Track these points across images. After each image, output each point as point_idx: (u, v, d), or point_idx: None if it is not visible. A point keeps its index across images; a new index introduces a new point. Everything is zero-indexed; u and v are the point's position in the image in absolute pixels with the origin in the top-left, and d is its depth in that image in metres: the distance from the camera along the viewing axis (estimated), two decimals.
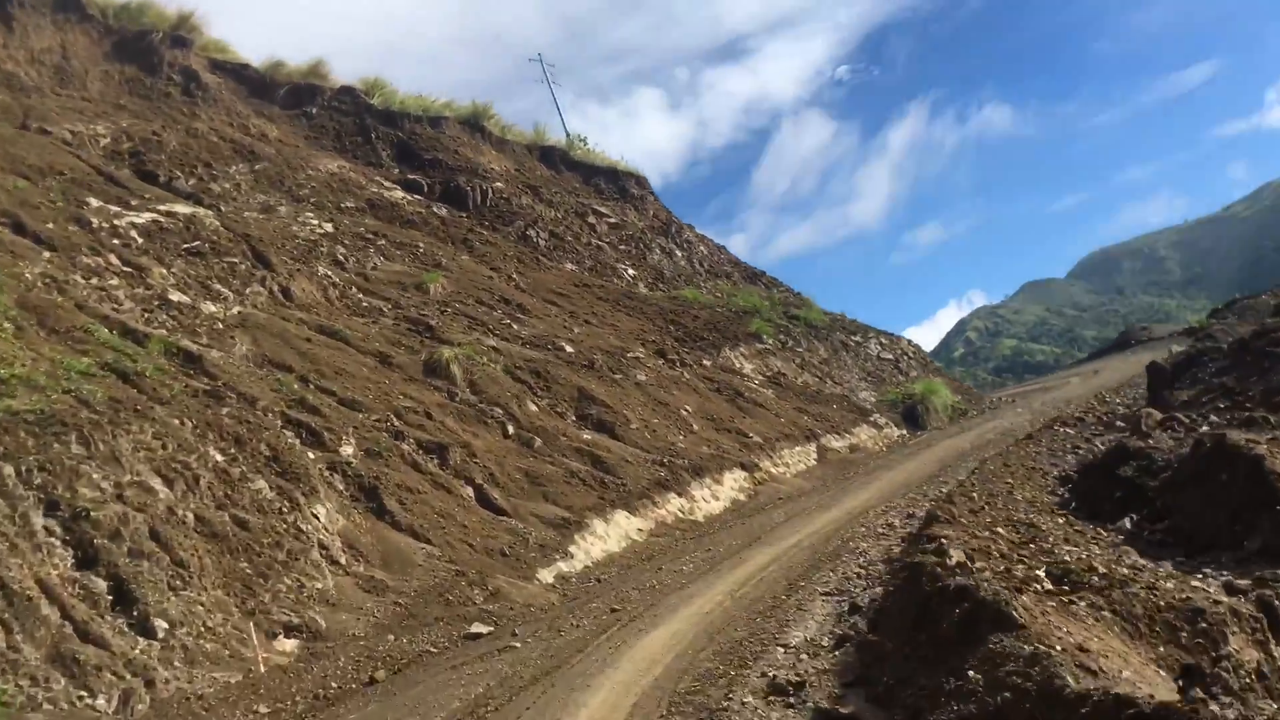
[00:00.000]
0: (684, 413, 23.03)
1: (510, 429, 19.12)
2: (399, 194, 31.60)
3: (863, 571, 12.31)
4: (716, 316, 30.19)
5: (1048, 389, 31.42)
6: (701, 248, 39.59)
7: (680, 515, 18.72)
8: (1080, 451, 14.88)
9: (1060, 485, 13.80)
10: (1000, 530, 10.62)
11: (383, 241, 27.28)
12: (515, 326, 24.66)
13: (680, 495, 19.22)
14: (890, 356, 33.44)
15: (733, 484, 20.77)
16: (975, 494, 12.68)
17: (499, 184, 34.36)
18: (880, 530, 14.64)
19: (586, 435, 20.27)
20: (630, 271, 33.66)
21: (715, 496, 20.01)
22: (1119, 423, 16.15)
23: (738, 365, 27.59)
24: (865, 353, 32.91)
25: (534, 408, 20.46)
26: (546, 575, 14.87)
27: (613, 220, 37.12)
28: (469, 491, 16.48)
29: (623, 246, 35.84)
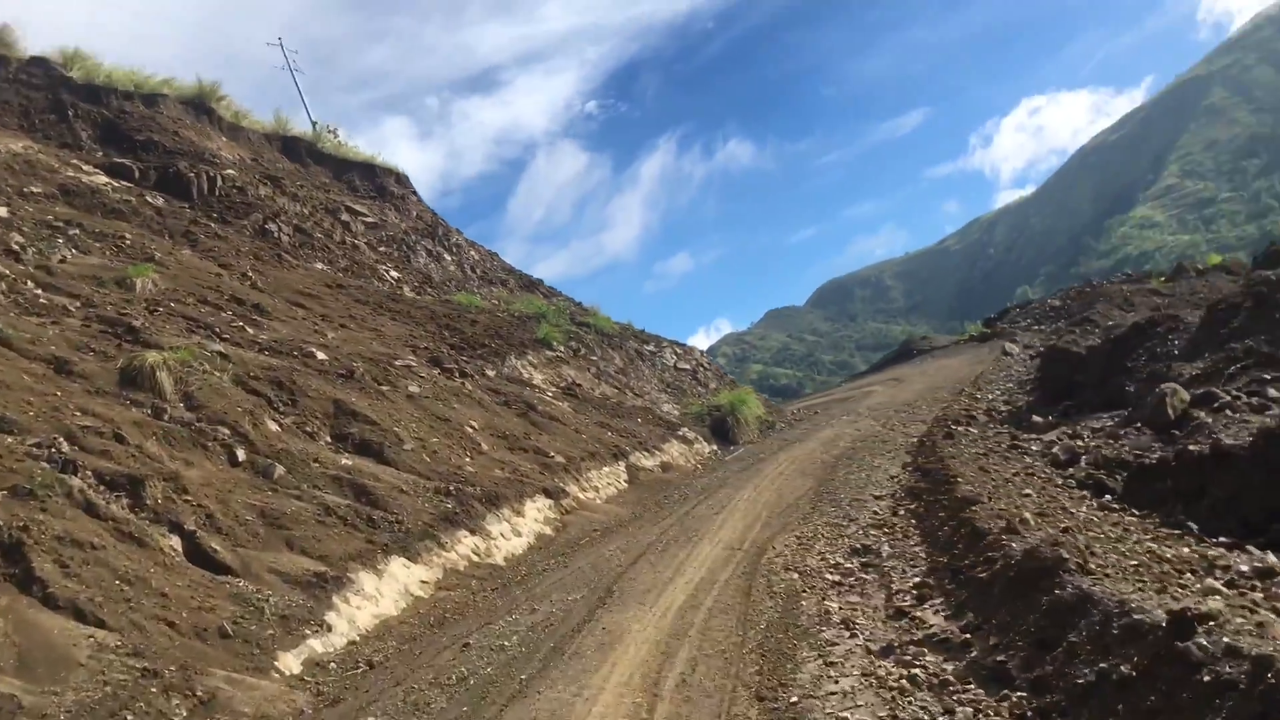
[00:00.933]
0: (470, 429, 18.40)
1: (241, 454, 13.92)
2: (102, 179, 25.38)
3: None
4: (498, 322, 25.69)
5: (847, 399, 28.96)
6: (472, 253, 34.94)
7: (475, 558, 14.12)
8: (1054, 451, 11.69)
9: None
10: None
11: (76, 231, 21.29)
12: (251, 330, 19.31)
13: (474, 532, 14.62)
14: (687, 367, 30.00)
15: (537, 514, 16.34)
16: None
17: (231, 172, 28.52)
18: (834, 579, 10.11)
19: (346, 460, 15.33)
20: (393, 274, 28.61)
21: (517, 531, 15.51)
22: (1036, 418, 13.42)
23: (527, 375, 23.20)
24: (661, 362, 29.29)
25: (275, 426, 15.31)
26: (292, 662, 9.92)
27: (370, 219, 31.92)
28: (174, 542, 11.23)
29: (383, 248, 30.74)
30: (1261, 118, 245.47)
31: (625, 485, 19.45)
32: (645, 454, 21.15)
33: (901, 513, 11.23)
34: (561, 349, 25.41)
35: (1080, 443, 11.61)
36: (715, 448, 23.65)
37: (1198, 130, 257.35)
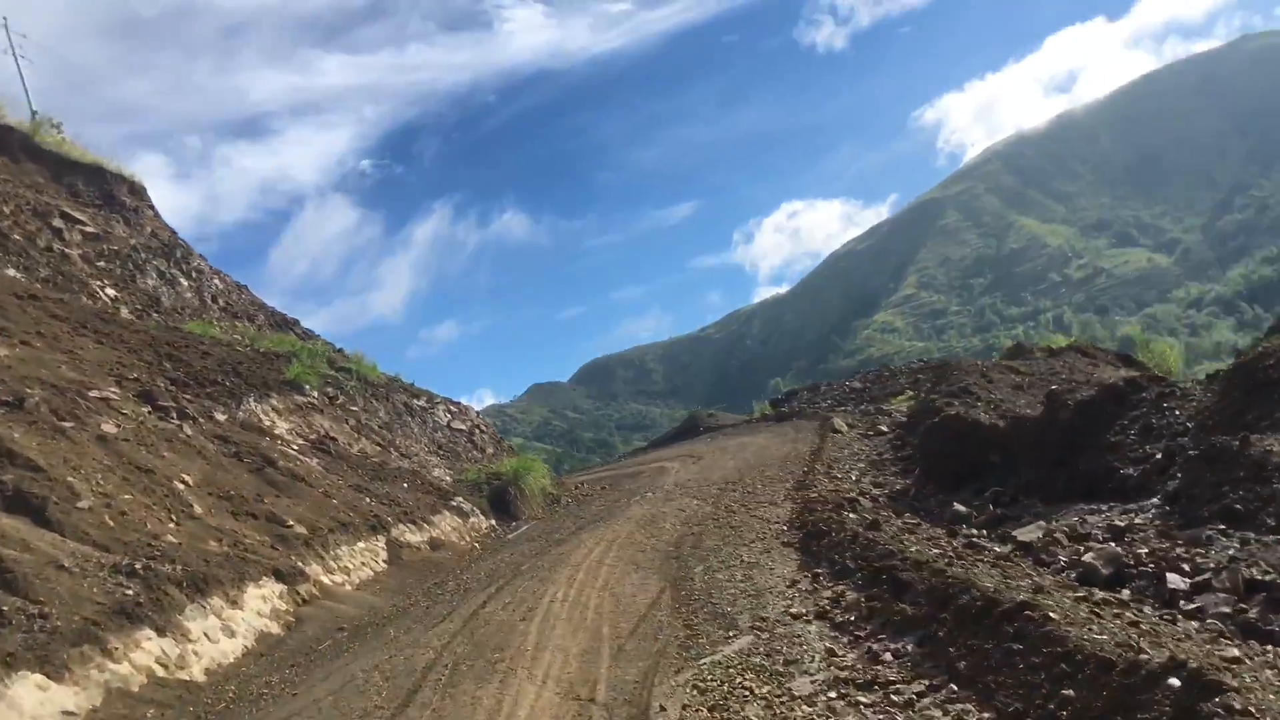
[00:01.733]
0: (180, 486, 13.74)
1: None
2: None
3: None
4: (237, 356, 20.85)
5: (638, 474, 25.83)
6: (217, 281, 29.62)
7: (162, 671, 9.65)
8: (1092, 563, 8.19)
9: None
10: None
11: None
12: None
13: (163, 631, 10.12)
14: (463, 427, 25.94)
15: (262, 604, 11.93)
16: None
17: None
18: None
19: None
20: (110, 292, 23.20)
21: (229, 629, 11.07)
22: (960, 507, 10.54)
23: (268, 422, 18.54)
24: (434, 420, 25.11)
25: None
26: None
27: (91, 229, 26.26)
28: None
29: (102, 262, 25.18)
30: (987, 241, 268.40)
31: (385, 566, 15.25)
32: (411, 527, 16.99)
33: (877, 648, 7.37)
34: (315, 394, 20.87)
35: (1140, 549, 8.07)
36: (494, 523, 19.75)
37: (934, 247, 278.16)
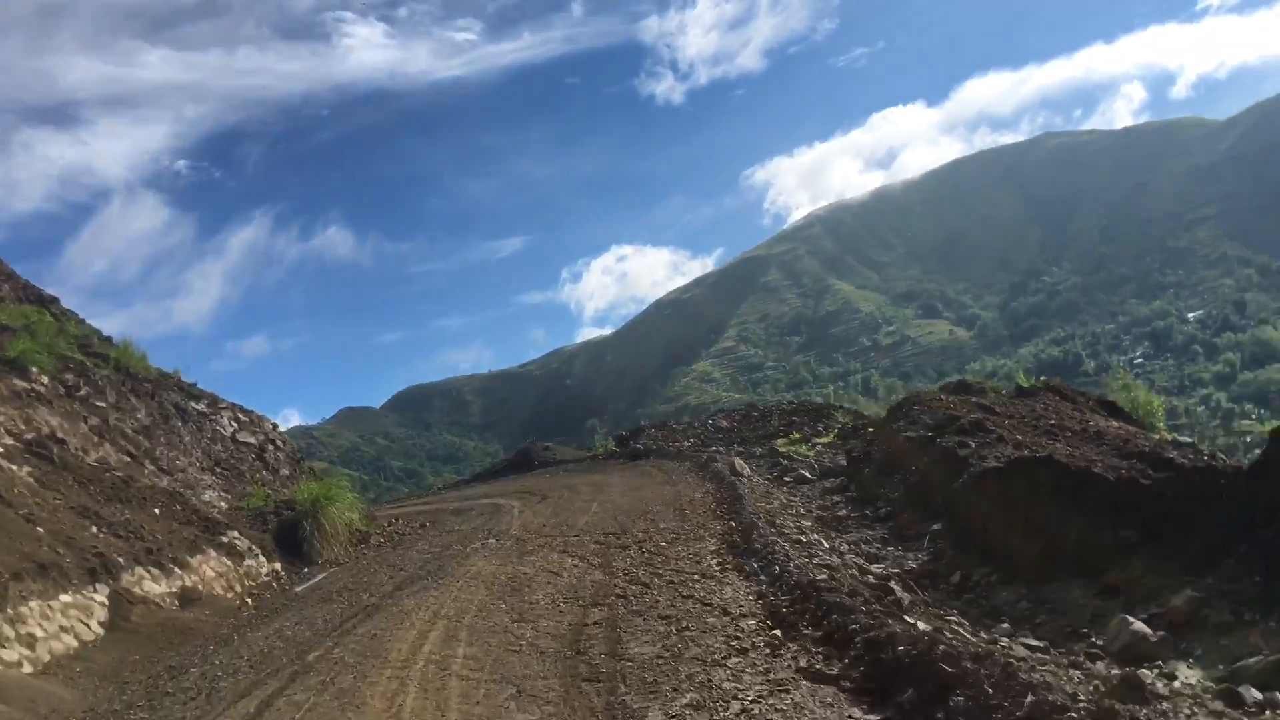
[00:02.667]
0: None
1: None
2: None
3: None
4: None
5: (464, 512, 21.14)
6: None
7: None
8: None
9: None
10: None
11: None
12: None
13: None
14: (253, 441, 20.55)
15: None
16: None
17: None
18: None
19: None
20: None
21: None
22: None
23: None
24: (214, 429, 19.64)
25: None
26: None
27: None
28: None
29: None
30: (805, 301, 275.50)
31: (101, 633, 10.13)
32: (155, 572, 11.84)
33: None
34: (45, 380, 15.31)
35: None
36: (279, 567, 14.69)
37: (755, 303, 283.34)
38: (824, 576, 6.93)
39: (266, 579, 14.11)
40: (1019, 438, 10.22)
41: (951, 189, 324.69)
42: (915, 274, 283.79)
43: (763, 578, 7.72)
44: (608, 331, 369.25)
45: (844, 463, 14.08)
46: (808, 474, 14.44)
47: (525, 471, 31.63)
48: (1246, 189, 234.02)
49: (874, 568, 8.38)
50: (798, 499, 12.96)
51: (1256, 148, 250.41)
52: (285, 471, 20.87)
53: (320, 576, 14.34)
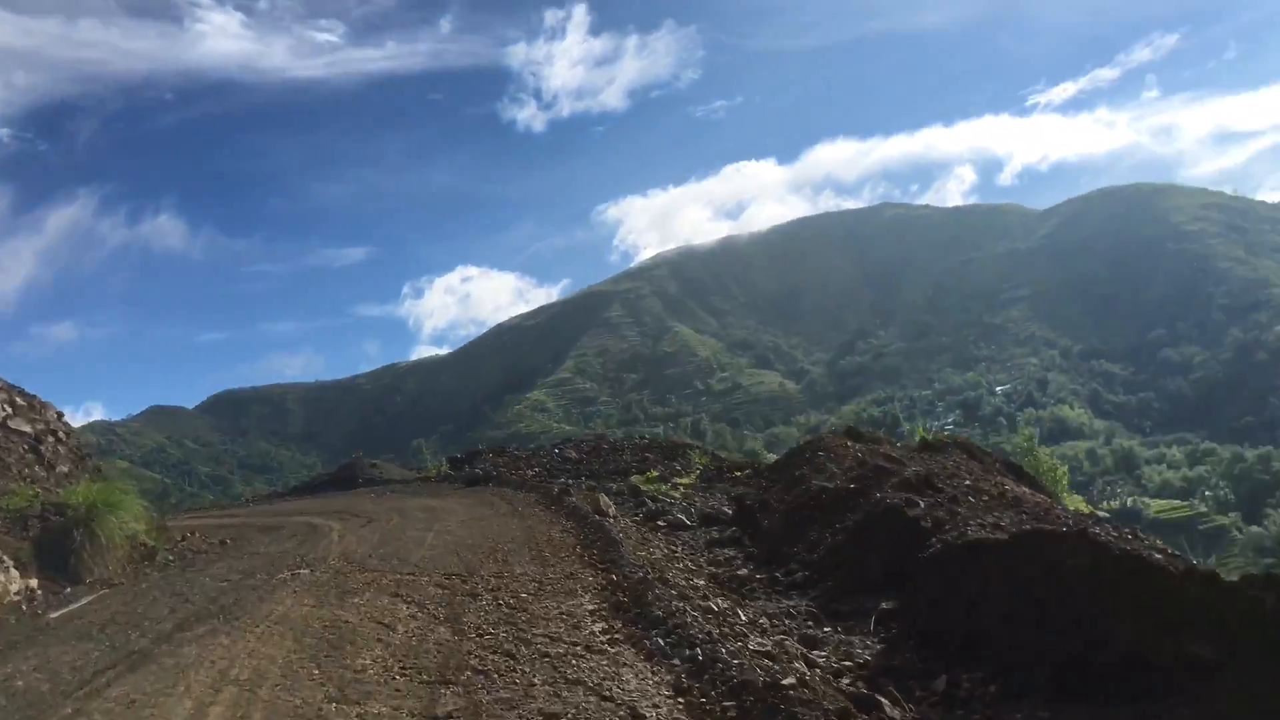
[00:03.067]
0: None
1: None
2: None
3: None
4: None
5: (275, 530, 18.55)
6: None
7: None
8: None
9: None
10: None
11: None
12: None
13: None
14: (28, 430, 17.37)
15: None
16: None
17: None
18: None
19: None
20: None
21: None
22: None
23: None
24: None
25: None
26: None
27: None
28: None
29: None
30: (644, 340, 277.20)
31: None
32: None
33: None
34: None
35: None
36: (36, 584, 11.97)
37: (595, 337, 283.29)
38: (785, 677, 5.05)
39: (16, 598, 11.41)
40: (972, 499, 8.90)
41: (794, 246, 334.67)
42: (752, 324, 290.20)
43: (675, 662, 5.84)
44: (444, 351, 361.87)
45: (728, 509, 12.43)
46: (685, 519, 12.70)
47: (348, 489, 28.97)
48: (1057, 276, 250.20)
49: (816, 656, 6.63)
50: (680, 549, 10.97)
51: (1068, 239, 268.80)
52: (65, 468, 17.81)
53: (85, 600, 11.73)
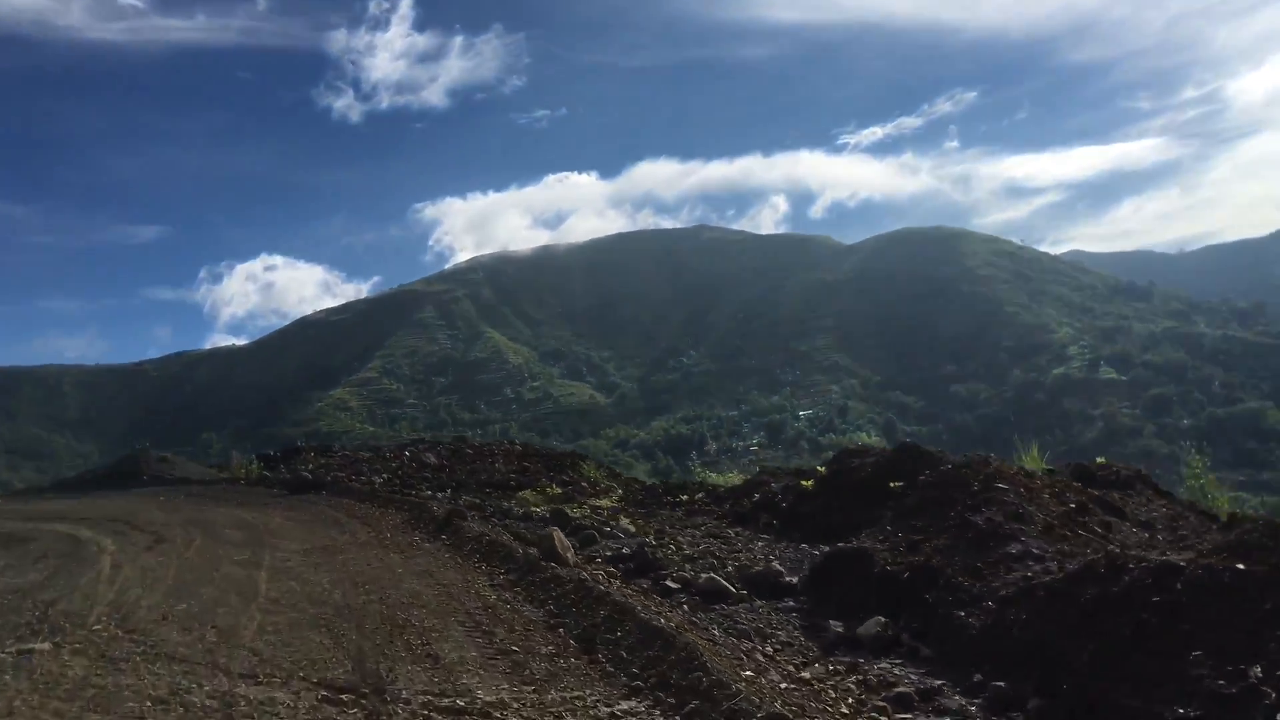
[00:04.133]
0: None
1: None
2: None
3: None
4: None
5: (24, 541, 13.05)
6: None
7: None
8: None
9: None
10: None
11: None
12: None
13: None
14: None
15: None
16: None
17: None
18: None
19: None
20: None
21: None
22: None
23: None
24: None
25: None
26: None
27: None
28: None
29: None
30: (456, 344, 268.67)
31: None
32: None
33: None
34: None
35: None
36: None
37: (405, 337, 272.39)
38: None
39: None
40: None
41: (611, 260, 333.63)
42: (566, 335, 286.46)
43: None
44: (243, 342, 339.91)
45: (779, 566, 7.76)
46: (728, 585, 7.47)
47: (129, 487, 22.91)
48: (861, 309, 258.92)
49: None
50: (790, 660, 5.99)
51: (872, 275, 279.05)
52: None
53: None
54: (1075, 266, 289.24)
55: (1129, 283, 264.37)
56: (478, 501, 13.22)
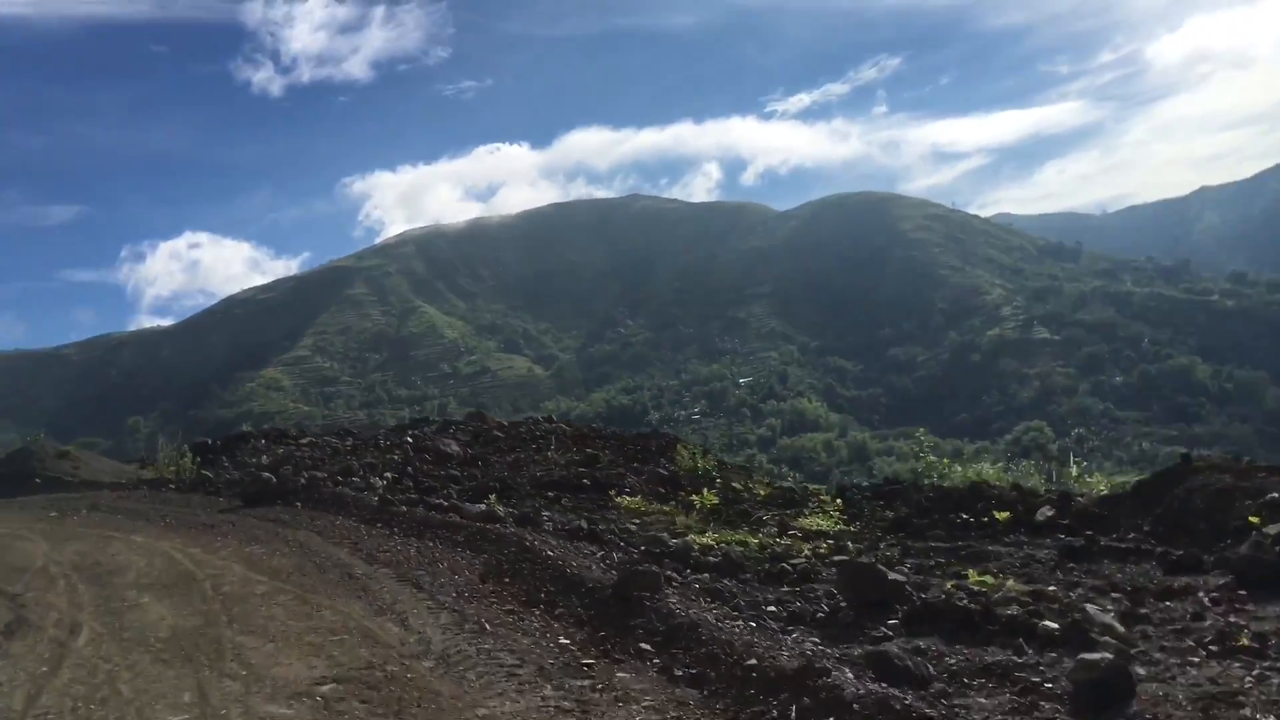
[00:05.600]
0: None
1: None
2: None
3: None
4: None
5: None
6: None
7: None
8: None
9: None
10: None
11: None
12: None
13: None
14: None
15: None
16: None
17: None
18: None
19: None
20: None
21: None
22: None
23: None
24: None
25: None
26: None
27: None
28: None
29: None
30: (389, 320, 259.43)
31: None
32: None
33: None
34: None
35: None
36: None
37: (337, 313, 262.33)
38: None
39: None
40: None
41: (545, 231, 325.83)
42: (501, 308, 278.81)
43: None
44: (168, 323, 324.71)
45: None
46: None
47: (14, 494, 16.76)
48: (796, 275, 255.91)
49: None
50: None
51: (806, 241, 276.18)
52: None
53: None
54: (1004, 229, 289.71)
55: (1057, 243, 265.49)
56: (583, 524, 7.67)
